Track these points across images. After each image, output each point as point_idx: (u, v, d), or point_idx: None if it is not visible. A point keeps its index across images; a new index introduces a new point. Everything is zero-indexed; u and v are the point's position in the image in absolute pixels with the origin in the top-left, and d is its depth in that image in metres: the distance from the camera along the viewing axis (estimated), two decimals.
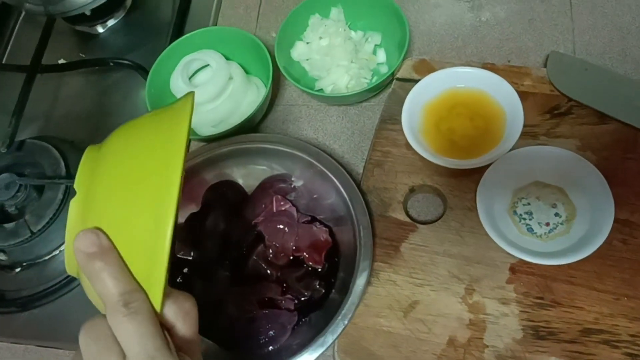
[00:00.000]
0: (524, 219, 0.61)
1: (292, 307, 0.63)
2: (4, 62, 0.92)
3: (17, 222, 0.74)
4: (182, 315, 0.38)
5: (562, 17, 0.73)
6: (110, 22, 0.91)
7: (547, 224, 0.60)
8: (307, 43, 0.76)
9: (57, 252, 0.75)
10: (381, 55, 0.74)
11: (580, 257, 0.56)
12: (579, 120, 0.64)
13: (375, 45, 0.75)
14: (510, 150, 0.61)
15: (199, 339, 0.40)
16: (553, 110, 0.65)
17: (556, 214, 0.60)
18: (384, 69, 0.74)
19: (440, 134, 0.66)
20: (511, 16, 0.75)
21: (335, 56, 0.73)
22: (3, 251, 0.76)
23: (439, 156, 0.63)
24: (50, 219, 0.73)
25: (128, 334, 0.34)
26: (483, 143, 0.64)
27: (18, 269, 0.76)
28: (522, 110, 0.62)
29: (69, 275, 0.73)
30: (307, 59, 0.76)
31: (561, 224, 0.60)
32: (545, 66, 0.69)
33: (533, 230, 0.60)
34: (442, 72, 0.67)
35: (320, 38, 0.74)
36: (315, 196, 0.68)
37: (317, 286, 0.64)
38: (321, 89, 0.73)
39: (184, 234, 0.69)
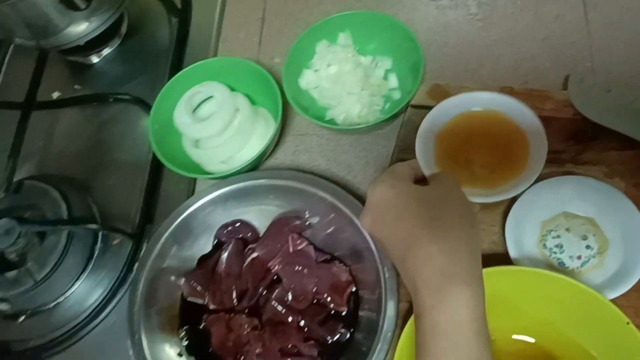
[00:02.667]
0: (555, 252, 0.58)
1: (315, 354, 0.60)
2: None
3: (19, 270, 0.70)
4: None
5: (579, 34, 0.71)
6: (106, 51, 0.87)
7: (579, 257, 0.58)
8: (315, 71, 0.72)
9: (62, 299, 0.72)
10: (393, 81, 0.71)
11: (618, 294, 0.54)
12: (605, 145, 0.62)
13: (386, 70, 0.72)
14: (537, 179, 0.59)
15: None
16: (578, 136, 0.63)
17: (587, 247, 0.58)
18: (397, 95, 0.71)
19: (458, 165, 0.61)
20: (525, 34, 0.72)
21: (346, 84, 0.70)
22: (6, 300, 0.72)
23: None
24: (54, 265, 0.69)
25: None
26: (505, 172, 0.60)
27: (22, 318, 0.73)
28: (544, 134, 0.58)
29: (77, 323, 0.70)
30: (316, 87, 0.73)
31: (593, 256, 0.58)
32: (564, 87, 0.67)
33: (565, 264, 0.58)
34: (455, 99, 0.62)
35: (329, 65, 0.71)
36: (330, 231, 0.66)
37: (342, 330, 0.61)
38: (332, 119, 0.70)
39: (195, 276, 0.66)
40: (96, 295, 0.72)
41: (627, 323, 0.49)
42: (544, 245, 0.59)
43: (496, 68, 0.71)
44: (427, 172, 0.58)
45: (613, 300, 0.54)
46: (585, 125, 0.63)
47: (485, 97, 0.63)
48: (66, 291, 0.72)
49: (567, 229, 0.59)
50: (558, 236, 0.59)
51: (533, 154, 0.59)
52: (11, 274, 0.70)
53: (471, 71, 0.72)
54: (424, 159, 0.59)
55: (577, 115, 0.63)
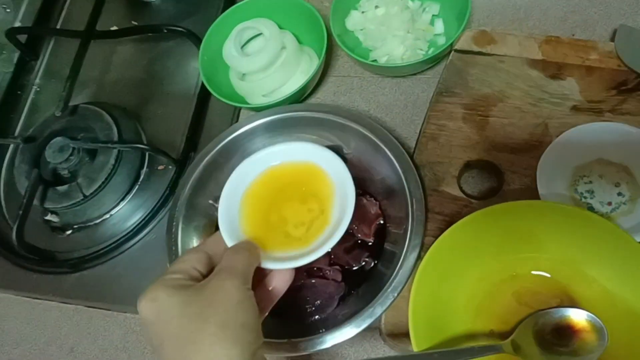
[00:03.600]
0: (585, 197, 0.59)
1: (339, 278, 0.62)
2: (58, 27, 0.93)
3: (70, 184, 0.75)
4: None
5: None
6: None
7: (609, 204, 0.58)
8: (363, 12, 0.74)
9: (107, 215, 0.76)
10: (439, 26, 0.72)
11: None
12: None
13: (433, 15, 0.73)
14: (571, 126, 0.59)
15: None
16: (620, 86, 0.62)
17: (619, 194, 0.58)
18: (442, 40, 0.72)
19: (270, 227, 0.52)
20: None
21: (391, 26, 0.71)
22: (55, 213, 0.77)
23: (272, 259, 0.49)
24: (102, 182, 0.74)
25: None
26: (321, 226, 0.51)
27: (69, 231, 0.78)
28: (349, 176, 0.51)
29: (119, 239, 0.75)
30: (362, 29, 0.74)
31: (624, 203, 0.58)
32: (612, 40, 0.66)
33: (594, 209, 0.58)
34: (254, 156, 0.54)
35: (376, 7, 0.73)
36: (366, 167, 0.67)
37: (366, 258, 0.63)
38: (375, 60, 0.72)
39: None
40: (139, 215, 0.75)
41: None
42: (575, 190, 0.59)
43: (543, 19, 0.71)
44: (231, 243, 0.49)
45: None
46: (629, 76, 0.62)
47: (283, 150, 0.55)
48: (112, 209, 0.76)
49: (600, 176, 0.59)
50: (590, 182, 0.59)
51: (338, 202, 0.51)
52: (62, 188, 0.75)
53: (518, 21, 0.71)
54: (229, 230, 0.50)
55: (621, 67, 0.63)
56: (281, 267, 0.48)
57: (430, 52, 0.71)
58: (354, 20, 0.73)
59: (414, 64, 0.67)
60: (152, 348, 0.41)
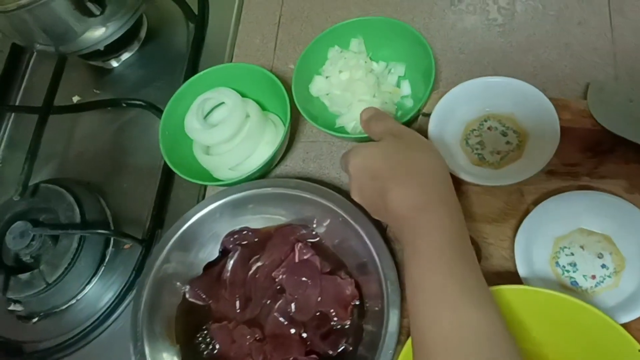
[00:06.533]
0: (568, 271, 0.55)
1: None
2: (17, 103, 0.90)
3: (32, 272, 0.71)
4: None
5: (602, 41, 0.67)
6: (125, 56, 0.88)
7: (593, 277, 0.55)
8: (327, 77, 0.71)
9: (73, 301, 0.73)
10: (405, 88, 0.69)
11: (634, 317, 0.51)
12: (625, 158, 0.58)
13: (399, 77, 0.70)
14: (551, 193, 0.56)
15: None
16: (595, 147, 0.60)
17: (603, 266, 0.55)
18: (409, 102, 0.69)
19: (468, 146, 0.64)
20: (545, 40, 0.69)
21: (357, 91, 0.68)
22: (19, 302, 0.73)
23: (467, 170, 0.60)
24: (66, 268, 0.71)
25: None
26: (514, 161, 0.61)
27: (35, 319, 0.74)
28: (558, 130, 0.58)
29: (87, 327, 0.71)
30: (327, 94, 0.71)
31: (609, 276, 0.54)
32: (584, 96, 0.63)
33: (578, 284, 0.55)
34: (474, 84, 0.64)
35: (340, 72, 0.70)
36: (337, 241, 0.65)
37: (344, 344, 0.59)
38: (342, 127, 0.69)
39: (200, 284, 0.66)
40: (106, 299, 0.72)
41: (639, 350, 0.46)
42: (557, 263, 0.56)
43: (514, 75, 0.67)
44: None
45: (628, 324, 0.51)
46: (605, 136, 0.60)
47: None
48: (78, 294, 0.73)
49: (582, 246, 0.56)
50: (572, 254, 0.56)
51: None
52: (24, 275, 0.72)
53: None
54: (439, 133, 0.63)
55: (596, 126, 0.60)
56: (473, 181, 0.58)
57: (398, 114, 0.69)
58: (317, 86, 0.71)
59: None
60: (362, 188, 0.52)
